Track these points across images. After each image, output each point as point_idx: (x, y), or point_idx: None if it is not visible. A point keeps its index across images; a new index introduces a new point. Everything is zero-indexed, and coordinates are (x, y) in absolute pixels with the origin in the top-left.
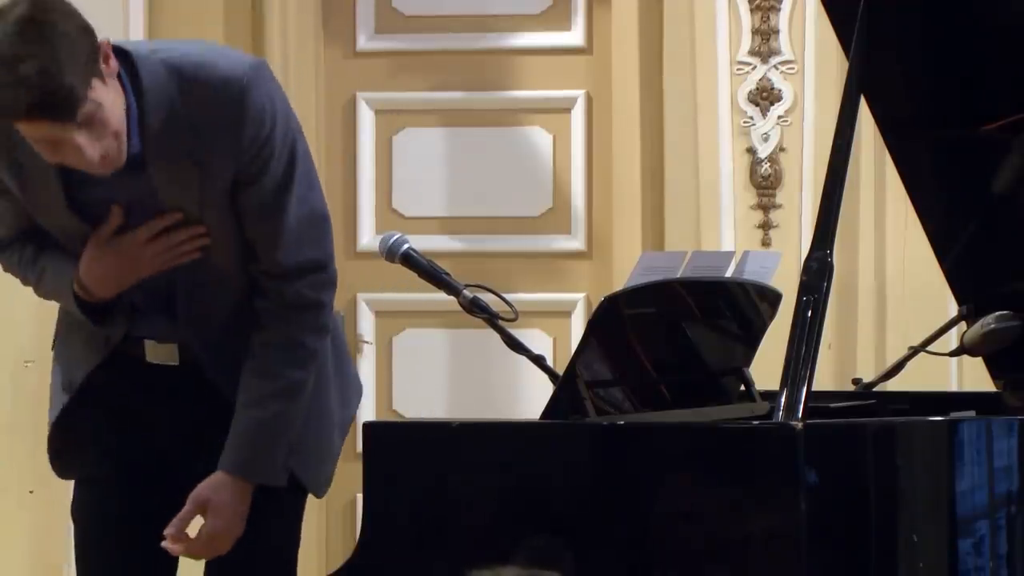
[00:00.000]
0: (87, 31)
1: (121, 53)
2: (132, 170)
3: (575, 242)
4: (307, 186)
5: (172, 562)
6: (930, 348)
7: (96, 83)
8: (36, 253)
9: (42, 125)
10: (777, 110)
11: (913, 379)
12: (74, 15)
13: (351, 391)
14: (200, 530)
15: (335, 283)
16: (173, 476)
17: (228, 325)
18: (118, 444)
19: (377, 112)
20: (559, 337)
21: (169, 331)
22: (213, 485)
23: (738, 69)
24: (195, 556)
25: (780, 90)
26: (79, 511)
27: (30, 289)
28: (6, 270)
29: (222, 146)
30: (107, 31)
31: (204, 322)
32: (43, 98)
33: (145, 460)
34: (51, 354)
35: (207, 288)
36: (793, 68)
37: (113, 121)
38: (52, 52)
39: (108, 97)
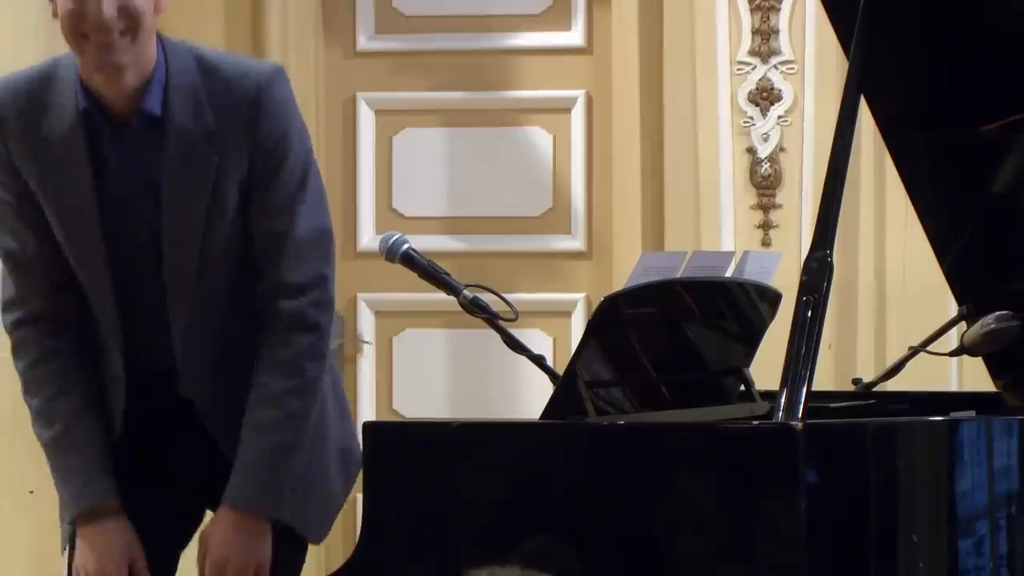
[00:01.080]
0: None
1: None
2: (149, 131)
3: (575, 242)
4: (318, 201)
5: None
6: (930, 348)
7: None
8: (60, 377)
9: None
10: (777, 110)
11: (913, 379)
12: None
13: (352, 460)
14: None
15: (333, 305)
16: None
17: (222, 366)
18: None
19: (377, 112)
20: (559, 337)
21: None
22: (214, 519)
23: (738, 69)
24: None
25: (780, 90)
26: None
27: None
28: (17, 351)
29: (239, 137)
30: None
31: (199, 358)
32: None
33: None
34: None
35: (202, 319)
36: (793, 68)
37: (145, 27)
38: None
39: (149, 14)
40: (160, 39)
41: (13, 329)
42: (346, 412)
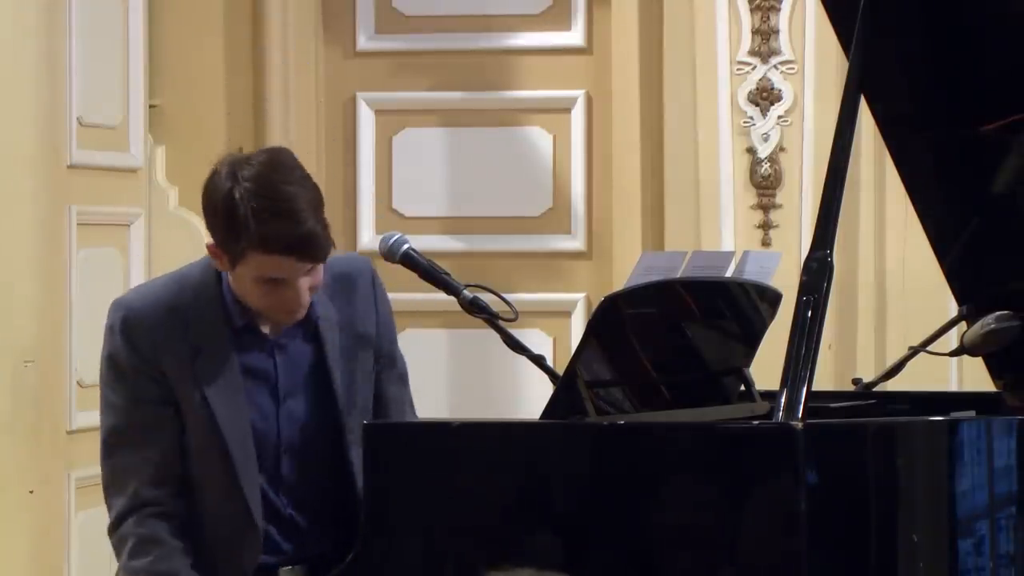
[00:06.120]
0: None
1: None
2: (304, 337)
3: (575, 242)
4: None
5: None
6: (930, 348)
7: None
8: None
9: (299, 265)
10: (777, 110)
11: (913, 379)
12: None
13: None
14: None
15: None
16: None
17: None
18: None
19: (377, 112)
20: (559, 337)
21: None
22: None
23: (738, 69)
24: None
25: (780, 90)
26: None
27: (30, 288)
28: (120, 542)
29: (366, 312)
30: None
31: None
32: (318, 244)
33: None
34: (51, 354)
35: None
36: (793, 68)
37: (320, 274)
38: (316, 199)
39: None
40: None
41: (145, 506)
42: None
